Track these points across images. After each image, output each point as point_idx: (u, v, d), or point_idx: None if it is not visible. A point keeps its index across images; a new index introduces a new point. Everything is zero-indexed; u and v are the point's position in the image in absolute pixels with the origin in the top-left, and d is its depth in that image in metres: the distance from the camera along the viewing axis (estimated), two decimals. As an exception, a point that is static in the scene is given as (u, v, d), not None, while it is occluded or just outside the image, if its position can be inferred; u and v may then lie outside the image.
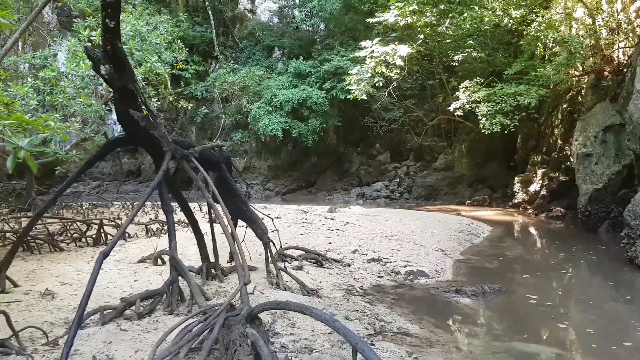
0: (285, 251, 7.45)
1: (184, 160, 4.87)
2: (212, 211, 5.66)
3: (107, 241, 8.72)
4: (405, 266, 7.62)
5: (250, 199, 22.73)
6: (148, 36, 9.63)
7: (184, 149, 5.16)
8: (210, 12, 23.73)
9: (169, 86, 22.28)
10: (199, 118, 22.90)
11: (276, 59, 24.71)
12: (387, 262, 7.84)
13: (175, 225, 6.04)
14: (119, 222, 9.99)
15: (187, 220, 6.27)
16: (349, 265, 7.59)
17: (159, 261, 6.96)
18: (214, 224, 6.10)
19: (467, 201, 19.87)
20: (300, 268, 6.94)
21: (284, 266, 6.71)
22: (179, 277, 5.00)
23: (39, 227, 8.70)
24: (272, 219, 6.68)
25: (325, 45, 23.37)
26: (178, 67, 14.07)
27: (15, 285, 5.81)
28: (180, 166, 4.91)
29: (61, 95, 8.90)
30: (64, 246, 8.09)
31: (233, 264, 6.79)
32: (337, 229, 10.94)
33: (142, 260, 7.28)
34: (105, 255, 3.72)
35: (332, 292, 6.27)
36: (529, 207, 17.45)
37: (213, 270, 6.12)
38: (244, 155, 23.24)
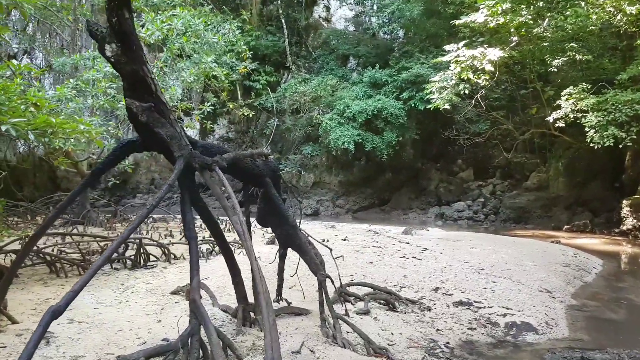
0: (348, 288, 5.91)
1: (205, 170, 3.51)
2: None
3: (150, 263, 7.60)
4: (504, 315, 5.83)
5: (319, 216, 21.40)
6: (205, 34, 8.57)
7: (212, 155, 3.83)
8: (283, 21, 22.90)
9: (239, 96, 21.62)
10: (268, 130, 21.98)
11: (351, 69, 23.41)
12: (480, 308, 6.08)
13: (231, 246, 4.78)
14: (165, 240, 8.91)
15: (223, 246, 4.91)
16: (429, 310, 5.92)
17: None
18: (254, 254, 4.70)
19: (565, 226, 17.34)
20: (366, 312, 5.37)
21: (345, 310, 5.19)
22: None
23: (71, 243, 7.74)
24: (331, 250, 5.20)
25: (404, 52, 21.77)
26: (240, 71, 13.05)
27: (13, 322, 4.71)
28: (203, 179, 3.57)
29: (103, 97, 8.01)
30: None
31: (282, 304, 5.36)
32: (413, 257, 9.25)
33: (175, 292, 6.04)
34: (56, 313, 2.41)
35: (408, 350, 4.67)
36: (641, 235, 14.81)
37: (252, 314, 4.71)
38: (314, 170, 22.00)
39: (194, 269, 3.67)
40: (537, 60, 18.26)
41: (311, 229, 13.79)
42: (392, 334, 5.00)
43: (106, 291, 5.97)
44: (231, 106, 10.63)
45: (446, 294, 6.55)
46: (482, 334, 5.35)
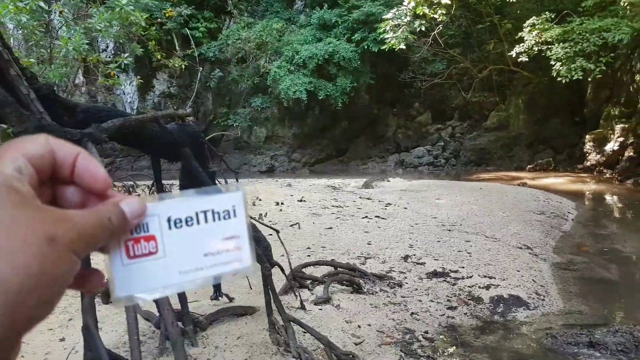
0: (304, 269, 4.90)
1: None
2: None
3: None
4: (487, 287, 4.99)
5: (274, 172, 20.27)
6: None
7: (96, 120, 2.68)
8: (220, -40, 20.82)
9: (177, 46, 19.75)
10: (212, 83, 20.33)
11: (298, 10, 21.74)
12: (458, 279, 5.22)
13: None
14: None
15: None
16: (399, 286, 5.03)
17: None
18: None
19: (528, 166, 16.89)
20: (327, 300, 4.41)
21: (300, 300, 4.23)
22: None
23: None
24: (278, 232, 4.14)
25: (353, -11, 20.21)
26: (167, 14, 11.43)
27: None
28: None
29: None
30: None
31: (222, 300, 4.33)
32: (376, 217, 8.36)
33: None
34: None
35: (380, 350, 3.77)
36: (606, 170, 14.45)
37: (180, 324, 3.65)
38: (265, 123, 20.66)
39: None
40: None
41: (264, 188, 12.71)
42: (360, 326, 4.08)
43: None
44: (158, 56, 9.18)
45: (417, 263, 5.67)
46: (465, 314, 4.50)
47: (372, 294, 4.79)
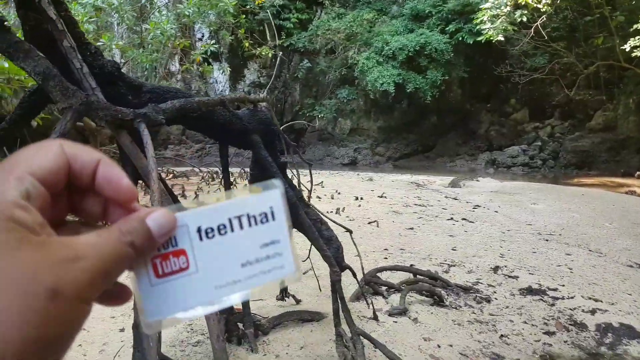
0: (379, 274, 4.48)
1: (121, 129, 2.12)
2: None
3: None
4: (593, 311, 4.29)
5: (357, 165, 19.87)
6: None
7: (161, 101, 2.46)
8: (314, -50, 20.66)
9: (268, 37, 19.87)
10: (300, 73, 20.28)
11: (390, 1, 21.11)
12: (557, 298, 4.56)
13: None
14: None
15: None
16: (487, 301, 4.46)
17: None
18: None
19: (638, 172, 15.21)
20: (403, 312, 3.96)
21: (373, 310, 3.81)
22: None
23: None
24: (351, 232, 3.75)
25: (450, -22, 19.25)
26: (258, 2, 11.30)
27: None
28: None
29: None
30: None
31: (288, 302, 4.02)
32: (463, 219, 7.73)
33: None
34: None
35: (461, 376, 3.27)
36: None
37: (241, 326, 3.39)
38: (351, 115, 20.30)
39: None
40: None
41: (345, 182, 12.38)
42: (439, 346, 3.59)
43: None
44: (246, 44, 9.05)
45: (509, 276, 5.04)
46: (565, 342, 3.86)
47: (456, 308, 4.27)
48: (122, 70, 2.55)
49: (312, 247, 3.98)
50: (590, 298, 4.55)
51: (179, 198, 9.32)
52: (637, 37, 11.88)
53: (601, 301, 4.50)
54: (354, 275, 3.65)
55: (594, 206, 9.20)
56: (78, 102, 2.00)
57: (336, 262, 3.38)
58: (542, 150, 18.15)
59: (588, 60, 17.98)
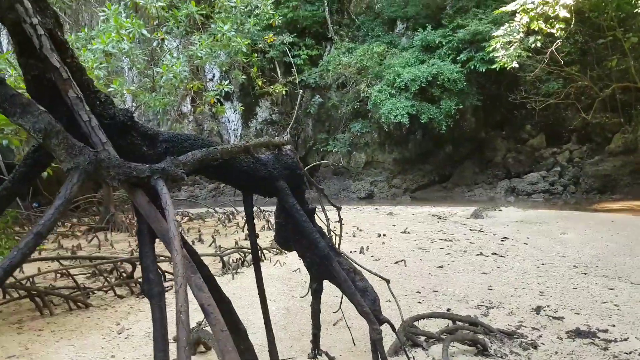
0: (416, 323, 4.18)
1: (136, 187, 1.91)
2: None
3: (167, 286, 6.10)
4: (652, 355, 3.94)
5: (373, 199, 19.59)
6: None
7: (180, 151, 2.27)
8: (321, -12, 20.94)
9: (279, 74, 19.98)
10: (312, 109, 20.28)
11: (399, 33, 21.20)
12: (609, 341, 4.22)
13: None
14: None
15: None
16: (534, 347, 4.13)
17: (201, 347, 4.10)
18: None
19: (664, 195, 14.78)
20: (445, 364, 3.64)
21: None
22: None
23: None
24: (388, 282, 3.49)
25: (458, 9, 19.33)
26: (269, 40, 11.30)
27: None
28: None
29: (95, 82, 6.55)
30: (96, 297, 5.68)
31: (321, 359, 3.72)
32: (493, 253, 7.41)
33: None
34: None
35: None
36: None
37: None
38: (365, 149, 20.16)
39: (158, 345, 2.06)
40: (614, 4, 15.59)
41: (364, 217, 12.10)
42: (489, 404, 3.27)
43: (93, 337, 4.53)
44: (259, 83, 9.02)
45: (553, 317, 4.71)
46: (627, 392, 3.51)
47: (501, 357, 3.95)
48: (134, 116, 2.36)
49: (343, 295, 3.72)
50: (644, 338, 4.20)
51: (195, 243, 9.01)
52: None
53: (657, 341, 4.14)
54: (393, 329, 3.36)
55: (627, 233, 8.82)
56: (86, 160, 1.80)
57: (375, 316, 3.11)
58: (562, 175, 17.76)
59: (603, 83, 17.75)
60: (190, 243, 8.43)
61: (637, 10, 13.65)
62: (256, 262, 3.15)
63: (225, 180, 2.92)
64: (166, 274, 6.02)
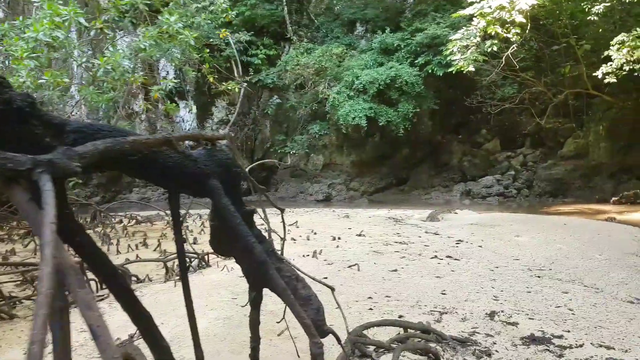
0: (365, 331, 3.93)
1: (6, 178, 1.55)
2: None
3: (98, 294, 5.63)
4: (607, 361, 3.82)
5: (331, 201, 19.40)
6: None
7: (83, 142, 1.91)
8: (280, -13, 20.66)
9: (236, 73, 19.52)
10: (270, 109, 19.94)
11: (358, 36, 21.15)
12: (564, 347, 4.07)
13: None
14: (137, 251, 7.02)
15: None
16: (488, 355, 3.94)
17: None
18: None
19: (613, 198, 15.17)
20: (396, 376, 3.40)
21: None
22: None
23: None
24: (333, 290, 3.23)
25: (417, 13, 19.43)
26: (221, 35, 10.91)
27: None
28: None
29: (24, 72, 6.01)
30: (23, 307, 5.20)
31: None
32: (448, 257, 7.28)
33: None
34: None
35: None
36: None
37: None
38: (323, 151, 19.95)
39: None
40: (568, 11, 15.94)
41: (320, 220, 11.86)
42: (441, 419, 3.04)
43: (14, 352, 4.08)
44: (211, 79, 8.65)
45: (508, 323, 4.55)
46: (583, 403, 3.36)
47: (454, 366, 3.74)
48: (36, 102, 2.01)
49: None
50: (601, 345, 4.08)
51: (139, 247, 8.48)
52: (608, 64, 11.93)
53: (613, 348, 4.04)
54: (338, 341, 3.09)
55: (579, 236, 8.89)
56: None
57: (316, 328, 2.83)
58: (516, 179, 18.05)
59: (556, 89, 18.14)
60: (134, 247, 7.92)
61: (590, 17, 13.98)
62: (183, 271, 2.81)
63: (147, 178, 2.56)
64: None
